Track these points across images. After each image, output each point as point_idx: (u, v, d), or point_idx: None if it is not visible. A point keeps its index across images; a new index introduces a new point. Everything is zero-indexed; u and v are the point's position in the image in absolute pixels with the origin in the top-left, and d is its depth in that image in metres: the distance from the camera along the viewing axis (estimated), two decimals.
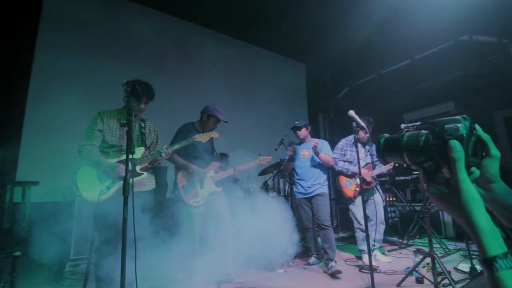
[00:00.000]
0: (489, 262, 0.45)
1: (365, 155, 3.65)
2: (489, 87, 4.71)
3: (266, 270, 3.20)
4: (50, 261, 2.90)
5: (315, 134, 4.66)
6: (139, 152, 2.24)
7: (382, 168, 3.60)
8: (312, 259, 3.48)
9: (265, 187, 4.19)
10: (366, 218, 2.55)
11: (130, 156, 1.67)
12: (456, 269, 2.93)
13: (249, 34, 6.09)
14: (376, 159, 3.52)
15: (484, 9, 4.35)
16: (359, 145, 3.28)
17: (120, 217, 1.53)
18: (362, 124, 2.77)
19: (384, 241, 3.94)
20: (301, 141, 3.59)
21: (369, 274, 2.43)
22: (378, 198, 3.59)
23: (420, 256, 2.81)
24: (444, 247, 3.85)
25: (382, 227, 3.58)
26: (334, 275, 2.96)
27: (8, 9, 3.67)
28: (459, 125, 0.54)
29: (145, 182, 2.29)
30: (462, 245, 3.79)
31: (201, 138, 2.63)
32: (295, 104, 7.10)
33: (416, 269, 2.66)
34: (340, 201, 6.09)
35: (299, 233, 3.62)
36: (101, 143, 2.22)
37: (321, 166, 3.46)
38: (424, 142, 0.57)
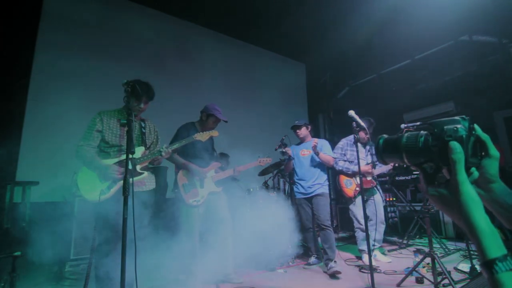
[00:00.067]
0: (488, 264, 0.45)
1: (366, 155, 3.66)
2: (489, 87, 4.71)
3: (266, 270, 3.21)
4: (50, 261, 2.89)
5: (315, 134, 4.66)
6: (139, 151, 2.24)
7: (382, 168, 3.60)
8: (312, 259, 3.48)
9: (265, 187, 4.19)
10: (366, 218, 2.55)
11: (130, 156, 1.67)
12: (456, 269, 2.93)
13: (249, 34, 6.08)
14: (376, 159, 3.53)
15: (484, 9, 4.35)
16: (359, 145, 3.28)
17: (120, 217, 1.53)
18: (362, 124, 2.77)
19: (384, 241, 3.94)
20: (301, 141, 3.58)
21: (369, 274, 2.43)
22: (378, 198, 3.59)
23: (420, 256, 2.81)
24: (444, 247, 3.85)
25: (382, 227, 3.58)
26: (333, 275, 2.96)
27: (8, 9, 3.67)
28: (458, 126, 0.54)
29: (145, 181, 2.29)
30: (462, 245, 3.79)
31: (201, 137, 2.63)
32: (295, 104, 7.09)
33: (416, 269, 2.66)
34: (340, 201, 6.09)
35: (299, 233, 3.62)
36: (102, 143, 2.22)
37: (321, 166, 3.45)
38: (424, 143, 0.57)
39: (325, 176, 3.45)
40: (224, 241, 2.87)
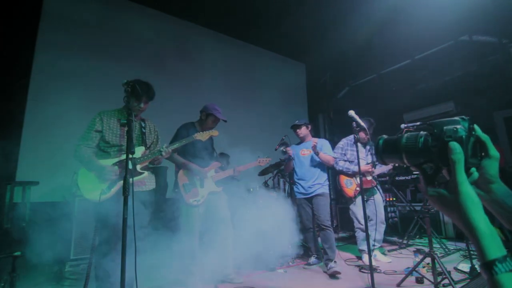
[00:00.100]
0: (488, 265, 0.45)
1: (366, 154, 3.66)
2: (489, 87, 4.71)
3: (266, 270, 3.20)
4: (50, 261, 2.89)
5: (315, 134, 4.65)
6: (139, 151, 2.24)
7: (382, 168, 3.60)
8: (312, 259, 3.48)
9: (265, 187, 4.20)
10: (366, 218, 2.55)
11: (130, 156, 1.67)
12: (456, 269, 2.93)
13: (249, 34, 6.08)
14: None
15: (484, 9, 4.35)
16: (359, 145, 3.28)
17: (121, 216, 1.53)
18: (362, 124, 2.77)
19: (384, 241, 3.94)
20: (301, 140, 3.58)
21: (369, 274, 2.43)
22: (378, 198, 3.59)
23: (420, 256, 2.81)
24: (444, 247, 3.85)
25: (382, 227, 3.58)
26: (333, 275, 2.96)
27: (8, 9, 3.67)
28: (458, 126, 0.54)
29: (145, 181, 2.29)
30: (462, 245, 3.79)
31: (201, 136, 2.63)
32: (295, 104, 7.10)
33: (416, 269, 2.66)
34: (340, 201, 6.09)
35: (299, 233, 3.62)
36: (102, 143, 2.22)
37: (321, 165, 3.45)
38: (423, 143, 0.57)
39: (325, 176, 3.45)
40: (224, 241, 2.87)
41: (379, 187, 3.71)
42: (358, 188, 3.49)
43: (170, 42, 5.31)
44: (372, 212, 3.49)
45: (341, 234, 5.55)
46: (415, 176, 4.55)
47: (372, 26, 5.17)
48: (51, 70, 3.97)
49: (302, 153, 3.51)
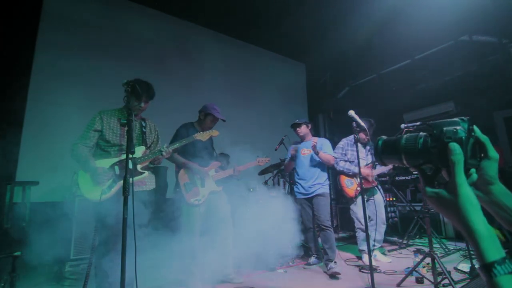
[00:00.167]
0: (487, 267, 0.44)
1: (366, 154, 3.65)
2: (489, 87, 4.71)
3: (266, 270, 3.20)
4: (50, 261, 2.89)
5: (315, 134, 4.64)
6: (139, 151, 2.24)
7: (382, 168, 3.60)
8: (312, 259, 3.48)
9: (266, 187, 4.19)
10: (367, 218, 2.55)
11: (130, 156, 1.67)
12: (456, 269, 2.93)
13: (249, 34, 6.08)
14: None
15: (484, 9, 4.35)
16: (359, 145, 3.28)
17: (121, 216, 1.53)
18: (362, 124, 2.77)
19: (384, 241, 3.94)
20: (302, 139, 3.56)
21: (369, 274, 2.43)
22: (379, 198, 3.59)
23: (420, 256, 2.81)
24: (444, 247, 3.85)
25: (383, 227, 3.57)
26: (333, 276, 2.96)
27: (8, 9, 3.67)
28: (457, 127, 0.54)
29: (145, 181, 2.29)
30: (462, 245, 3.79)
31: (201, 136, 2.63)
32: (295, 104, 7.09)
33: (416, 269, 2.66)
34: (340, 201, 6.09)
35: (299, 233, 3.62)
36: (102, 142, 2.21)
37: (322, 165, 3.43)
38: (423, 144, 0.57)
39: (325, 176, 3.43)
40: (224, 241, 2.87)
41: (379, 187, 3.71)
42: (359, 188, 3.49)
43: (170, 42, 5.30)
44: (373, 212, 3.49)
45: (341, 234, 5.55)
46: (415, 176, 4.55)
47: (372, 26, 5.17)
48: (51, 70, 3.97)
49: (302, 153, 3.50)
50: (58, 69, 4.01)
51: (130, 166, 1.68)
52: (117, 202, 1.88)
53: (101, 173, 2.05)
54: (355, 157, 3.37)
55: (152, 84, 2.33)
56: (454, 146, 0.52)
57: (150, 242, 2.22)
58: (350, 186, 3.56)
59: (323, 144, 3.43)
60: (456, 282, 2.42)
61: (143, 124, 2.40)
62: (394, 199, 5.27)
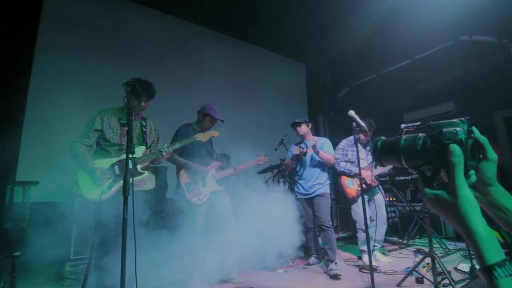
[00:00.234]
0: (487, 270, 0.44)
1: (366, 155, 3.65)
2: (489, 87, 4.72)
3: (266, 270, 3.20)
4: (50, 261, 2.89)
5: (315, 134, 4.62)
6: (140, 151, 2.24)
7: (383, 168, 3.60)
8: (312, 259, 3.48)
9: (266, 186, 4.19)
10: (367, 218, 2.55)
11: (130, 156, 1.67)
12: (456, 269, 2.93)
13: (249, 34, 6.08)
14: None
15: (484, 9, 4.35)
16: (359, 145, 3.27)
17: (121, 216, 1.53)
18: (362, 124, 2.76)
19: (384, 241, 3.94)
20: (302, 138, 3.54)
21: (369, 274, 2.43)
22: (380, 198, 3.59)
23: (420, 256, 2.81)
24: (444, 247, 3.85)
25: (383, 228, 3.57)
26: (334, 277, 2.95)
27: (8, 9, 3.67)
28: (457, 128, 0.53)
29: (145, 181, 2.29)
30: (462, 245, 3.79)
31: (202, 137, 2.63)
32: (295, 104, 7.09)
33: (416, 269, 2.66)
34: (340, 201, 6.08)
35: (299, 233, 3.61)
36: (102, 141, 2.21)
37: (322, 165, 3.42)
38: (422, 145, 0.57)
39: (325, 176, 3.42)
40: (226, 240, 2.87)
41: (380, 187, 3.71)
42: (360, 188, 3.49)
43: (170, 42, 5.30)
44: (373, 212, 3.49)
45: (341, 234, 5.54)
46: (415, 176, 4.53)
47: (372, 26, 5.17)
48: (51, 70, 3.97)
49: None
50: (58, 69, 4.01)
51: (130, 166, 1.68)
52: (117, 202, 1.88)
53: (100, 174, 2.05)
54: (356, 157, 3.37)
55: (153, 83, 2.32)
56: (455, 148, 0.51)
57: (150, 242, 2.21)
58: (351, 186, 3.55)
59: (324, 143, 3.41)
60: (456, 282, 2.42)
61: (144, 124, 2.39)
62: (394, 199, 5.27)
